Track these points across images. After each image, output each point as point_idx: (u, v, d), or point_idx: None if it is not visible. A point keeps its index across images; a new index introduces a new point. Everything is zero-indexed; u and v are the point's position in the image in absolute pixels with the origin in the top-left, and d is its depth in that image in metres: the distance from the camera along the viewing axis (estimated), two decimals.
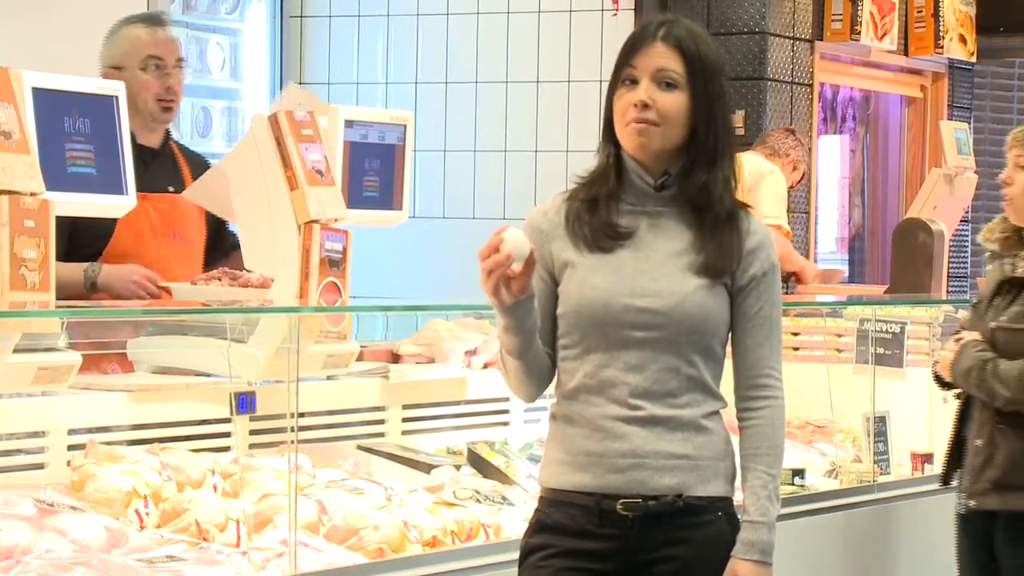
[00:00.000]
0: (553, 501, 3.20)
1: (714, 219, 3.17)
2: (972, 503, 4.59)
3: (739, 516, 3.24)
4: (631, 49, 3.16)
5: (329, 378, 4.58)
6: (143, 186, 4.24)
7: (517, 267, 3.04)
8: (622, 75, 3.16)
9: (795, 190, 8.15)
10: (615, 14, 8.20)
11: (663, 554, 3.15)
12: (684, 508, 3.15)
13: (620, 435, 3.13)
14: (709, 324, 3.16)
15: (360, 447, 4.59)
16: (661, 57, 3.13)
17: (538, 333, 3.16)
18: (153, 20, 5.16)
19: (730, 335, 3.23)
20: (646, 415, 3.13)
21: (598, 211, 3.17)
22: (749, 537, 3.17)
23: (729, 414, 3.29)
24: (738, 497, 3.26)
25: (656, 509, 3.14)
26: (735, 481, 3.25)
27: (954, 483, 4.78)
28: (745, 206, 3.22)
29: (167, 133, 5.09)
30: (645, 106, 3.12)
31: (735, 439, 3.26)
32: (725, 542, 3.18)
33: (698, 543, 3.16)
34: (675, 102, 3.13)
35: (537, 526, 3.22)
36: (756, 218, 3.24)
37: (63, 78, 4.06)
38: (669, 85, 3.13)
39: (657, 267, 3.15)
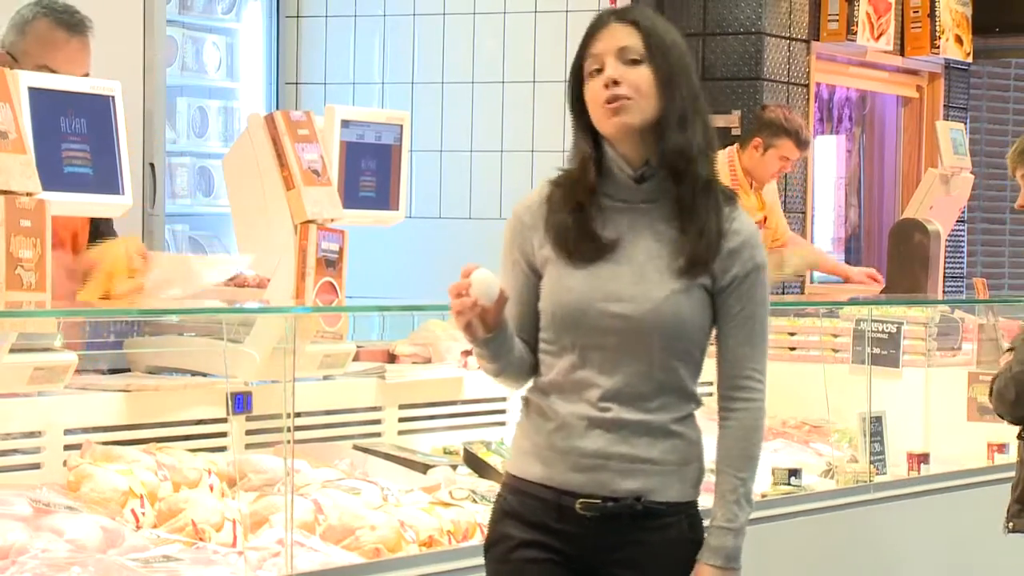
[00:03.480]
0: (515, 489, 3.19)
1: (693, 192, 3.13)
2: (1010, 525, 4.55)
3: (706, 520, 3.18)
4: (589, 39, 3.17)
5: (325, 378, 4.58)
6: None
7: (487, 304, 3.04)
8: (586, 67, 3.16)
9: (790, 189, 8.10)
10: None
11: (619, 556, 3.13)
12: (643, 512, 3.12)
13: (586, 435, 3.12)
14: (684, 329, 3.13)
15: (356, 447, 4.59)
16: (619, 36, 3.14)
17: (518, 328, 3.15)
18: (74, 25, 4.54)
19: (715, 335, 3.20)
20: (613, 418, 3.11)
21: (578, 217, 3.15)
22: (714, 543, 3.13)
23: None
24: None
25: (614, 511, 3.11)
26: (701, 485, 3.20)
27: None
28: (729, 190, 3.19)
29: None
30: (615, 83, 3.11)
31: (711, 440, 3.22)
32: (684, 544, 3.15)
33: (656, 546, 3.13)
34: (642, 75, 3.13)
35: (500, 512, 3.21)
36: (743, 214, 3.19)
37: (59, 78, 4.06)
38: (634, 62, 3.13)
39: (635, 271, 3.13)
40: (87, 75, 4.44)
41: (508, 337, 3.13)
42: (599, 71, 3.14)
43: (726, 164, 7.44)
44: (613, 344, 3.11)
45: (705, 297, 3.15)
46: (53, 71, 4.33)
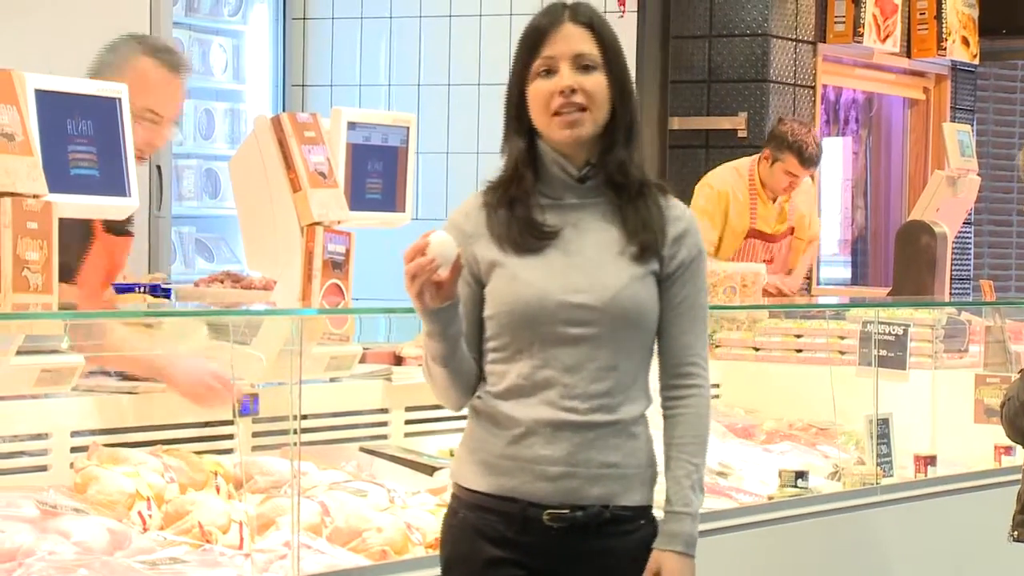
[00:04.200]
0: (470, 503, 3.12)
1: (629, 196, 3.11)
2: (1015, 534, 4.54)
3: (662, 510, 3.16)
4: (541, 37, 3.08)
5: (332, 380, 4.58)
6: None
7: (443, 272, 2.98)
8: (535, 66, 3.08)
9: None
10: (622, 15, 8.20)
11: (586, 565, 3.09)
12: (610, 518, 3.09)
13: (552, 441, 3.06)
14: (644, 317, 3.10)
15: (363, 449, 4.59)
16: (576, 40, 3.08)
17: (463, 338, 3.08)
18: (177, 66, 4.49)
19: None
20: (580, 420, 3.06)
21: (518, 211, 3.10)
22: (672, 528, 3.09)
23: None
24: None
25: (583, 520, 3.07)
26: (654, 487, 3.17)
27: None
28: (661, 183, 3.16)
29: None
30: (572, 91, 3.06)
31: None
32: (649, 549, 3.11)
33: (622, 552, 3.09)
34: (598, 83, 3.08)
35: (457, 530, 3.14)
36: (679, 201, 3.17)
37: (66, 80, 4.06)
38: (588, 67, 3.08)
39: (588, 261, 3.08)
40: (178, 116, 4.50)
41: (458, 316, 3.04)
42: (548, 72, 3.08)
43: (746, 173, 7.43)
44: (575, 337, 3.06)
45: (656, 285, 3.12)
46: (153, 111, 4.36)
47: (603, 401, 3.08)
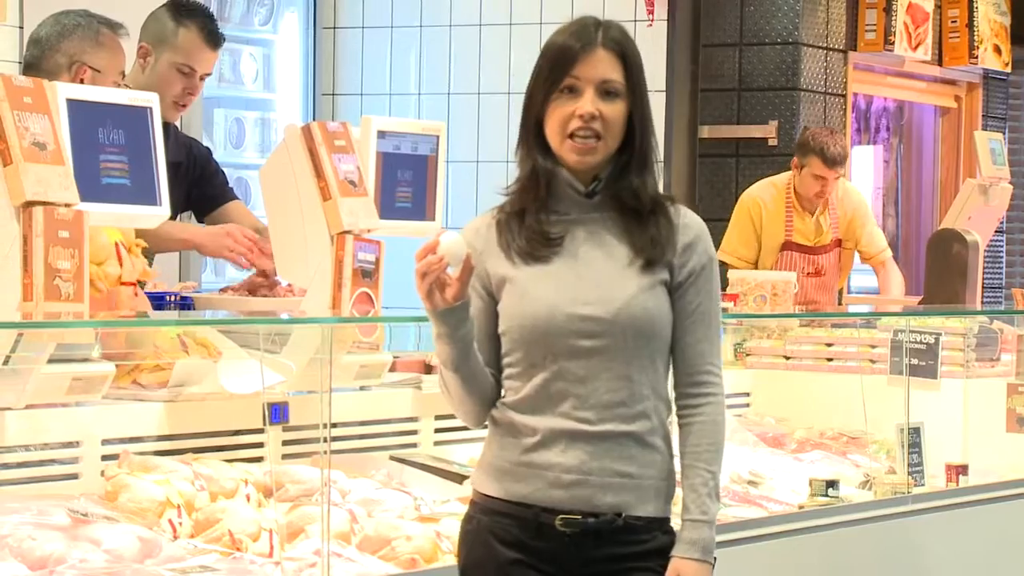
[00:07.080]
0: (487, 509, 3.15)
1: (641, 214, 3.13)
2: None
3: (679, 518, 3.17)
4: (571, 58, 3.10)
5: (362, 388, 4.58)
6: None
7: (454, 272, 3.01)
8: (561, 84, 3.11)
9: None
10: (650, 24, 8.20)
11: (598, 570, 3.11)
12: (623, 527, 3.10)
13: (566, 449, 3.09)
14: (655, 326, 3.11)
15: (393, 457, 4.59)
16: (604, 65, 3.10)
17: (478, 351, 3.12)
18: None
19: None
20: (594, 431, 3.09)
21: (527, 221, 3.13)
22: (690, 535, 3.11)
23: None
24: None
25: (595, 527, 3.09)
26: (672, 501, 3.18)
27: None
28: (670, 198, 3.18)
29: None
30: (593, 117, 3.09)
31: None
32: (663, 560, 3.12)
33: (634, 561, 3.11)
34: (617, 111, 3.11)
35: (473, 535, 3.17)
36: (688, 210, 3.19)
37: (97, 89, 4.08)
38: (611, 94, 3.11)
39: (597, 273, 3.11)
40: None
41: (468, 318, 3.07)
42: (571, 91, 3.10)
43: (783, 187, 7.41)
44: (586, 350, 3.08)
45: (666, 294, 3.14)
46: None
47: (617, 411, 3.10)
